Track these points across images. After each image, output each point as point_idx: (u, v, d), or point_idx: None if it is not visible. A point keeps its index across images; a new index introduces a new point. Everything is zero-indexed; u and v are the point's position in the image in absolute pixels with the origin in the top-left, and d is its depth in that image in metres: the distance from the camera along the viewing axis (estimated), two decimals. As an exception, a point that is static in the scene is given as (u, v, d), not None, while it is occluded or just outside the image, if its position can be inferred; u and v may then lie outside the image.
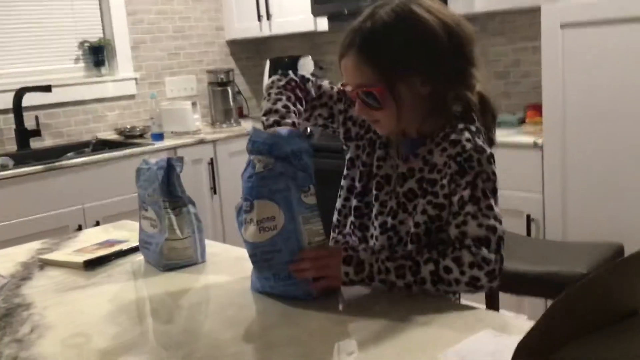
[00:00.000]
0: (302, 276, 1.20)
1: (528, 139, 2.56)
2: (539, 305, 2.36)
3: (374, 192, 1.32)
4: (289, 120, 1.32)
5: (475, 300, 1.30)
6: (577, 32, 2.35)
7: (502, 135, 2.67)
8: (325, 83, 1.45)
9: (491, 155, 1.21)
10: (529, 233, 2.54)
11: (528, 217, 2.54)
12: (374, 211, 1.32)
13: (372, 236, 1.33)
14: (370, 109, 1.25)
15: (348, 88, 1.28)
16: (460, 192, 1.19)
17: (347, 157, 1.41)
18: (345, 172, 1.42)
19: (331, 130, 1.45)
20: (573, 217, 2.46)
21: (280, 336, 1.07)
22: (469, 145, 1.20)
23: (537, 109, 2.78)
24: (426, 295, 1.17)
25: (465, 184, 1.19)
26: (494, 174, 1.21)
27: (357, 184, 1.37)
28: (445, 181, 1.21)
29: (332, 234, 1.44)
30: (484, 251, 1.15)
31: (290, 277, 1.20)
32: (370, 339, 1.03)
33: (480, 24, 3.16)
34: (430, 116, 1.26)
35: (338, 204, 1.42)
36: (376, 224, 1.31)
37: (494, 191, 1.20)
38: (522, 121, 2.92)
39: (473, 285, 1.15)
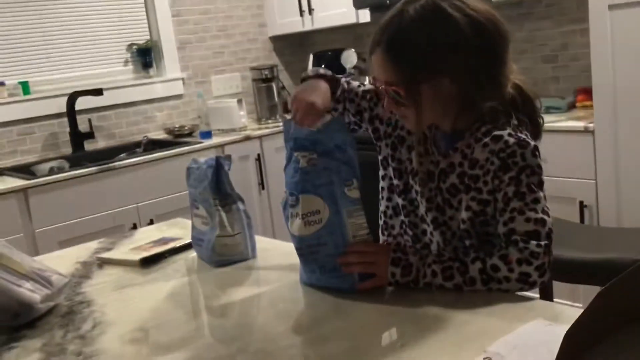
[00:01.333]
0: (349, 271, 1.22)
1: (578, 124, 2.51)
2: (594, 293, 2.31)
3: (418, 188, 1.31)
4: (324, 72, 1.33)
5: (529, 291, 1.29)
6: (626, 12, 2.28)
7: (551, 120, 2.63)
8: (354, 82, 1.46)
9: (535, 148, 1.19)
10: (582, 220, 2.49)
11: (581, 203, 2.49)
12: (423, 208, 1.31)
13: (424, 232, 1.33)
14: (398, 105, 1.25)
15: (378, 83, 1.27)
16: (504, 188, 1.18)
17: (380, 158, 1.41)
18: (381, 172, 1.41)
19: (362, 129, 1.45)
20: (627, 203, 2.40)
21: (331, 329, 1.09)
22: (511, 140, 1.18)
23: (587, 92, 2.72)
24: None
25: (509, 180, 1.18)
26: (539, 167, 1.19)
27: (396, 181, 1.36)
28: (488, 177, 1.20)
29: (380, 237, 1.44)
30: (532, 245, 1.14)
31: (336, 270, 1.22)
32: (419, 331, 1.04)
33: (526, 8, 3.11)
34: (462, 114, 1.25)
35: (382, 207, 1.42)
36: (428, 219, 1.30)
37: (540, 184, 1.19)
38: (572, 105, 2.86)
39: (524, 282, 1.14)
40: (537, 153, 1.19)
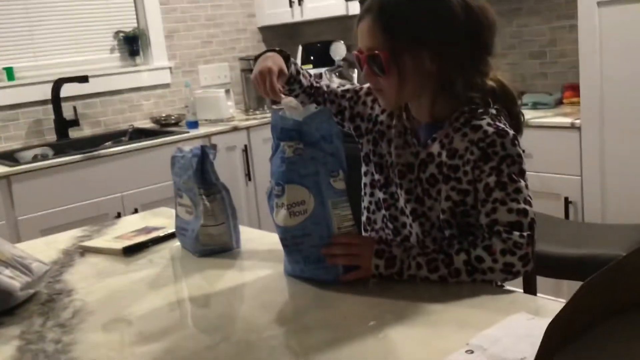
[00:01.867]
0: (333, 262, 1.21)
1: (565, 120, 2.52)
2: (577, 288, 2.33)
3: (397, 180, 1.32)
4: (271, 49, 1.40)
5: (513, 285, 1.29)
6: (615, 9, 2.29)
7: (538, 116, 2.64)
8: (333, 84, 1.50)
9: (514, 137, 1.20)
10: (567, 216, 2.51)
11: (566, 199, 2.51)
12: (402, 200, 1.32)
13: (404, 225, 1.34)
14: (375, 75, 1.25)
15: (360, 53, 1.28)
16: (485, 178, 1.18)
17: (362, 154, 1.42)
18: (364, 169, 1.42)
19: (345, 129, 1.46)
20: (612, 199, 2.42)
21: (314, 319, 1.09)
22: (490, 130, 1.19)
23: (575, 89, 2.74)
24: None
25: (490, 170, 1.18)
26: (519, 155, 1.19)
27: (377, 176, 1.37)
28: (468, 167, 1.20)
29: (363, 232, 1.44)
30: (516, 236, 1.14)
31: (320, 261, 1.22)
32: (401, 322, 1.04)
33: (515, 3, 3.11)
34: (439, 97, 1.26)
35: (365, 202, 1.43)
36: (407, 211, 1.31)
37: (522, 173, 1.19)
38: (559, 102, 2.87)
39: (508, 272, 1.15)
40: (516, 142, 1.20)
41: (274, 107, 1.37)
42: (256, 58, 1.42)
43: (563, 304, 0.85)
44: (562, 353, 0.59)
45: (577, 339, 0.60)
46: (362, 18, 1.26)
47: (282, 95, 1.32)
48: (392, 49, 1.22)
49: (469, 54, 1.22)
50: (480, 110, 1.23)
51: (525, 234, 1.15)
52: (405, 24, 1.21)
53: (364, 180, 1.42)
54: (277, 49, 1.44)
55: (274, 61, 1.37)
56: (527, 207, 1.17)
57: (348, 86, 1.49)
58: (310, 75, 1.50)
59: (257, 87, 1.37)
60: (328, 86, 1.49)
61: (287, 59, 1.42)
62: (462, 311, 1.06)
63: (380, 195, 1.37)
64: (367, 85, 1.42)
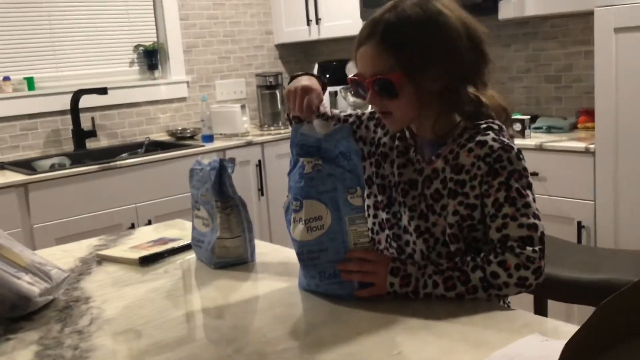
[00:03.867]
0: (348, 278, 1.22)
1: (580, 145, 2.52)
2: (588, 313, 2.32)
3: (401, 199, 1.33)
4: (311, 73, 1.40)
5: (523, 308, 1.30)
6: (632, 36, 2.31)
7: (553, 140, 2.64)
8: (335, 110, 1.52)
9: (519, 151, 1.23)
10: (579, 240, 2.50)
11: (579, 223, 2.50)
12: (405, 217, 1.33)
13: (407, 243, 1.34)
14: (384, 99, 1.26)
15: (361, 79, 1.28)
16: (494, 194, 1.20)
17: (365, 177, 1.42)
18: (366, 192, 1.43)
19: None
20: (625, 225, 2.41)
21: (328, 334, 1.09)
22: (496, 145, 1.21)
23: (589, 114, 2.74)
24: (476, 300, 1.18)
25: (499, 185, 1.20)
26: (525, 169, 1.22)
27: (380, 197, 1.38)
28: (475, 182, 1.22)
29: None
30: (528, 250, 1.16)
31: (336, 276, 1.23)
32: (415, 340, 1.05)
33: (531, 27, 3.13)
34: (443, 114, 1.28)
35: (369, 224, 1.43)
36: (410, 229, 1.32)
37: (529, 186, 1.21)
38: (573, 126, 2.88)
39: (522, 285, 1.17)
40: (520, 156, 1.22)
41: (296, 124, 1.38)
42: (292, 78, 1.43)
43: (576, 327, 0.85)
44: (579, 373, 0.60)
45: (596, 358, 0.61)
46: (365, 42, 1.26)
47: (315, 118, 1.32)
48: (403, 72, 1.23)
49: (472, 67, 1.26)
50: (484, 126, 1.25)
51: (537, 248, 1.17)
52: (414, 46, 1.22)
53: (367, 202, 1.43)
54: (313, 73, 1.45)
55: (313, 83, 1.38)
56: (537, 221, 1.19)
57: (350, 111, 1.52)
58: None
59: (291, 101, 1.36)
60: (332, 111, 1.50)
61: (324, 86, 1.43)
62: (477, 331, 1.07)
63: (383, 215, 1.38)
64: (369, 110, 1.45)
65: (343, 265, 1.22)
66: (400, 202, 1.34)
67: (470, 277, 1.17)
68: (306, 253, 1.25)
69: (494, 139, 1.22)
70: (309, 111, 1.34)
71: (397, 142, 1.37)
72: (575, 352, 0.58)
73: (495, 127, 1.26)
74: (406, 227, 1.33)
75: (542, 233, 1.19)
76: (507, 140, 1.23)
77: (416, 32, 1.23)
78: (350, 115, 1.50)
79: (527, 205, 1.19)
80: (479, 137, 1.23)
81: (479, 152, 1.22)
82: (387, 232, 1.38)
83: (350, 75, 1.35)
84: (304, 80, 1.37)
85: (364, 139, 1.44)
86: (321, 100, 1.39)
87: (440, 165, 1.27)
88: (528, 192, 1.20)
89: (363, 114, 1.48)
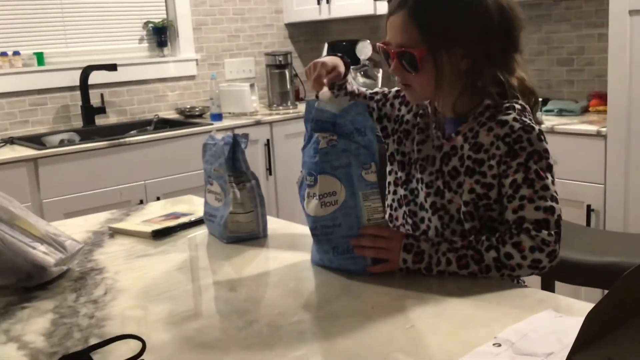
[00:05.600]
0: (361, 253, 1.23)
1: (591, 128, 2.51)
2: (596, 295, 2.33)
3: (418, 175, 1.34)
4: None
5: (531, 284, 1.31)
6: (648, 17, 2.29)
7: (564, 122, 2.63)
8: (362, 88, 1.53)
9: (540, 132, 1.21)
10: (588, 223, 2.50)
11: (588, 207, 2.50)
12: (422, 194, 1.33)
13: (422, 220, 1.35)
14: (406, 71, 1.27)
15: (389, 47, 1.28)
16: (512, 175, 1.19)
17: (388, 154, 1.44)
18: (388, 168, 1.44)
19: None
20: (635, 209, 2.41)
21: (342, 307, 1.10)
22: (517, 125, 1.20)
23: (601, 97, 2.73)
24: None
25: (517, 166, 1.19)
26: (546, 151, 1.20)
27: (400, 174, 1.39)
28: (494, 162, 1.22)
29: None
30: (544, 234, 1.16)
31: (349, 252, 1.24)
32: (429, 314, 1.05)
33: (544, 9, 3.11)
34: (465, 93, 1.27)
35: (388, 200, 1.45)
36: (426, 205, 1.32)
37: (549, 168, 1.20)
38: (585, 110, 2.86)
39: (535, 268, 1.17)
40: (542, 137, 1.21)
41: (307, 99, 1.40)
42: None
43: (590, 305, 0.85)
44: (599, 343, 0.60)
45: (615, 330, 0.61)
46: (395, 12, 1.25)
47: (325, 88, 1.33)
48: (426, 47, 1.22)
49: (499, 51, 1.24)
50: (506, 105, 1.24)
51: (552, 231, 1.17)
52: (441, 22, 1.22)
53: (389, 179, 1.44)
54: (339, 54, 1.46)
55: (332, 60, 1.40)
56: (554, 204, 1.18)
57: (377, 89, 1.53)
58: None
59: (308, 76, 1.41)
60: (358, 89, 1.52)
61: (347, 66, 1.45)
62: (490, 307, 1.07)
63: (401, 192, 1.39)
64: (395, 88, 1.45)
65: (356, 241, 1.23)
66: (418, 179, 1.34)
67: (484, 257, 1.18)
68: (320, 228, 1.25)
69: (514, 119, 1.21)
70: (317, 83, 1.36)
71: (418, 119, 1.37)
72: (597, 322, 0.58)
73: (519, 106, 1.24)
74: (422, 203, 1.34)
75: (559, 216, 1.18)
76: (528, 121, 1.22)
77: (445, 9, 1.22)
78: (376, 92, 1.50)
79: (546, 188, 1.18)
80: (500, 117, 1.22)
81: (498, 131, 1.21)
82: (404, 208, 1.39)
83: (363, 54, 1.37)
84: (324, 58, 1.40)
85: (389, 116, 1.45)
86: (337, 75, 1.40)
87: (460, 142, 1.27)
88: (547, 174, 1.19)
89: (389, 91, 1.48)
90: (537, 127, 1.21)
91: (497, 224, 1.25)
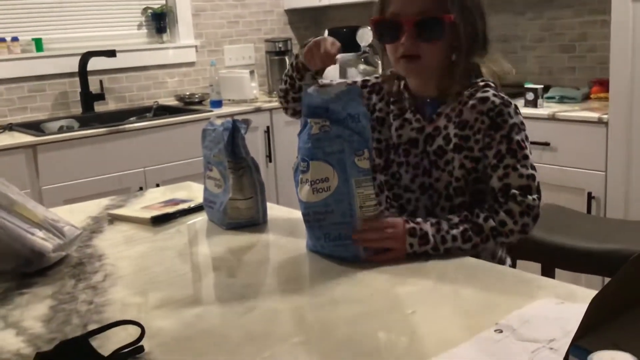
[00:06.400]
0: (368, 245, 1.22)
1: (592, 115, 2.50)
2: (596, 282, 2.33)
3: (402, 159, 1.39)
4: None
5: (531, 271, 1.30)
6: (652, 3, 2.26)
7: (565, 110, 2.62)
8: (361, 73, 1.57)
9: (516, 107, 1.32)
10: (589, 211, 2.49)
11: (589, 194, 2.49)
12: (406, 177, 1.38)
13: (408, 201, 1.39)
14: (422, 40, 1.30)
15: (403, 18, 1.31)
16: (496, 146, 1.29)
17: None
18: None
19: None
20: (636, 196, 2.40)
21: (342, 294, 1.10)
22: (497, 100, 1.30)
23: (603, 84, 2.71)
24: (484, 261, 1.19)
25: (500, 137, 1.28)
26: (522, 123, 1.30)
27: (378, 160, 1.42)
28: (479, 136, 1.30)
29: None
30: (529, 199, 1.26)
31: (341, 238, 1.23)
32: (430, 301, 1.05)
33: (546, -5, 3.08)
34: (447, 72, 1.34)
35: None
36: (413, 186, 1.38)
37: (527, 139, 1.30)
38: (586, 97, 2.85)
39: (523, 232, 1.26)
40: (518, 111, 1.32)
41: (304, 83, 1.41)
42: (303, 45, 1.53)
43: (592, 292, 0.85)
44: (604, 328, 0.59)
45: (620, 316, 0.61)
46: None
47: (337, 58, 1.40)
48: (453, 14, 1.29)
49: (484, 34, 1.34)
50: (482, 84, 1.33)
51: (535, 196, 1.27)
52: None
53: None
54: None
55: (329, 37, 1.49)
56: (534, 172, 1.28)
57: (347, 81, 1.54)
58: None
59: (312, 52, 1.46)
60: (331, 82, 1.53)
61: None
62: (491, 294, 1.07)
63: (381, 178, 1.43)
64: (361, 79, 1.49)
65: (359, 235, 1.22)
66: (399, 163, 1.39)
67: (483, 227, 1.25)
68: (312, 214, 1.24)
69: (494, 95, 1.30)
70: (327, 58, 1.44)
71: (391, 106, 1.42)
72: (602, 308, 0.57)
73: (492, 84, 1.35)
74: (407, 185, 1.39)
75: (539, 183, 1.29)
76: (506, 96, 1.31)
77: None
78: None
79: (526, 157, 1.28)
80: (480, 94, 1.31)
81: (481, 107, 1.30)
82: (386, 193, 1.43)
83: (364, 40, 1.40)
84: (324, 36, 1.47)
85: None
86: (338, 48, 1.46)
87: (442, 123, 1.34)
88: (527, 144, 1.29)
89: (354, 82, 1.50)
90: (512, 102, 1.31)
91: (484, 195, 1.32)
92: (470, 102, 1.31)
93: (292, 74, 1.56)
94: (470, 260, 1.22)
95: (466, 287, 1.10)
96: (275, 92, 3.72)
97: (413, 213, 1.38)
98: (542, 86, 2.76)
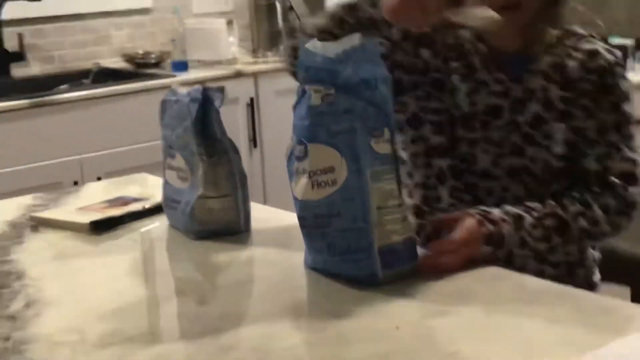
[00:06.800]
0: (447, 270, 1.23)
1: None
2: None
3: (477, 134, 1.40)
4: None
5: (618, 295, 1.32)
6: None
7: None
8: None
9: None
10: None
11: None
12: (487, 158, 1.39)
13: (490, 192, 1.41)
14: None
15: None
16: (600, 115, 1.33)
17: (404, 118, 1.46)
18: (409, 137, 1.47)
19: None
20: None
21: (355, 328, 1.10)
22: (610, 57, 1.34)
23: None
24: (551, 282, 1.21)
25: (609, 105, 1.33)
26: (629, 93, 1.37)
27: (437, 139, 1.43)
28: (586, 100, 1.36)
29: (417, 218, 1.48)
30: (630, 193, 1.31)
31: (350, 251, 1.21)
32: (476, 336, 1.05)
33: None
34: (547, 15, 1.39)
35: (417, 178, 1.48)
36: (498, 171, 1.39)
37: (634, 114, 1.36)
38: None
39: (615, 234, 1.33)
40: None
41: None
42: None
43: None
44: None
45: None
46: None
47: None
48: None
49: None
50: (582, 33, 1.39)
51: (638, 188, 1.32)
52: None
53: (412, 150, 1.47)
54: None
55: None
56: (638, 157, 1.35)
57: None
58: None
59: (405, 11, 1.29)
60: None
61: None
62: (559, 329, 1.07)
63: (442, 163, 1.43)
64: (400, 27, 1.40)
65: (432, 261, 1.24)
66: (473, 140, 1.40)
67: (571, 227, 1.30)
68: (311, 218, 1.24)
69: (605, 49, 1.35)
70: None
71: (454, 64, 1.42)
72: None
73: (596, 36, 1.38)
74: (487, 170, 1.40)
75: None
76: (618, 52, 1.35)
77: None
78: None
79: (632, 137, 1.34)
80: (587, 45, 1.36)
81: (590, 64, 1.36)
82: (451, 183, 1.43)
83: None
84: None
85: (404, 65, 1.45)
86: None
87: (539, 83, 1.38)
88: (633, 121, 1.34)
89: (389, 35, 1.42)
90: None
91: (587, 177, 1.37)
92: (574, 55, 1.37)
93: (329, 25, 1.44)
94: (531, 281, 1.22)
95: (524, 317, 1.10)
96: (261, 51, 3.72)
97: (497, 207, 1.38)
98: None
